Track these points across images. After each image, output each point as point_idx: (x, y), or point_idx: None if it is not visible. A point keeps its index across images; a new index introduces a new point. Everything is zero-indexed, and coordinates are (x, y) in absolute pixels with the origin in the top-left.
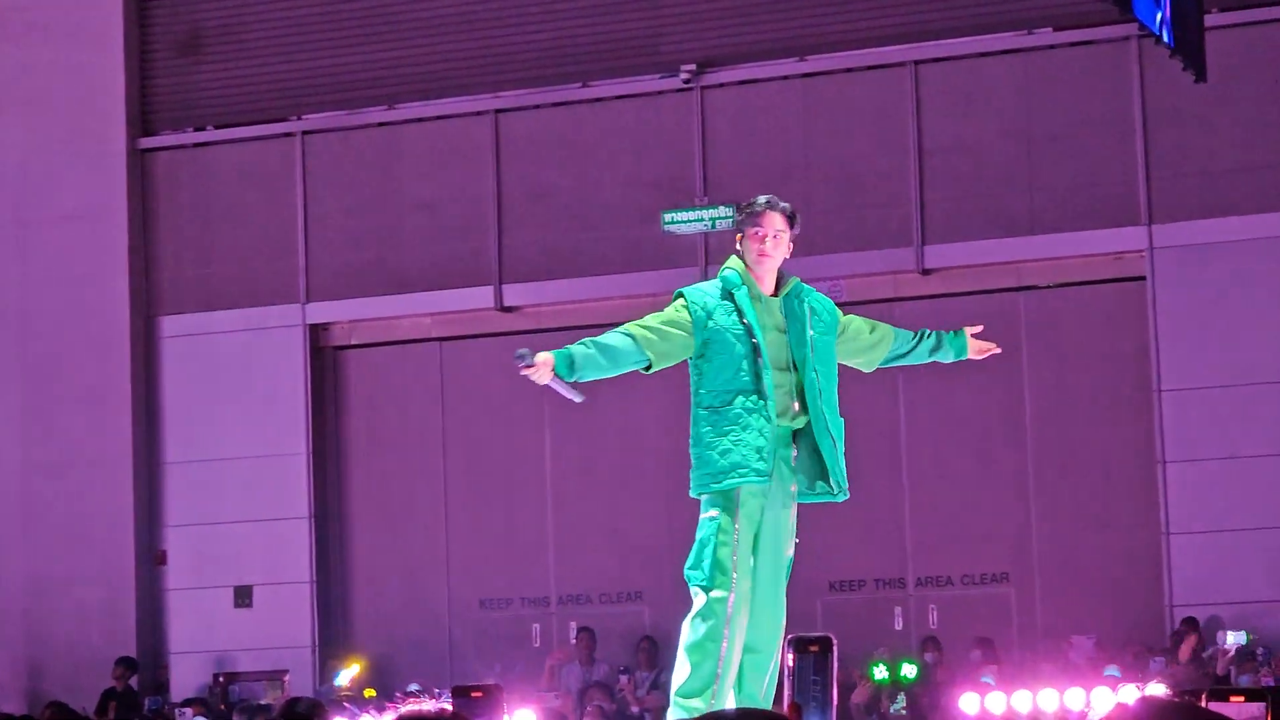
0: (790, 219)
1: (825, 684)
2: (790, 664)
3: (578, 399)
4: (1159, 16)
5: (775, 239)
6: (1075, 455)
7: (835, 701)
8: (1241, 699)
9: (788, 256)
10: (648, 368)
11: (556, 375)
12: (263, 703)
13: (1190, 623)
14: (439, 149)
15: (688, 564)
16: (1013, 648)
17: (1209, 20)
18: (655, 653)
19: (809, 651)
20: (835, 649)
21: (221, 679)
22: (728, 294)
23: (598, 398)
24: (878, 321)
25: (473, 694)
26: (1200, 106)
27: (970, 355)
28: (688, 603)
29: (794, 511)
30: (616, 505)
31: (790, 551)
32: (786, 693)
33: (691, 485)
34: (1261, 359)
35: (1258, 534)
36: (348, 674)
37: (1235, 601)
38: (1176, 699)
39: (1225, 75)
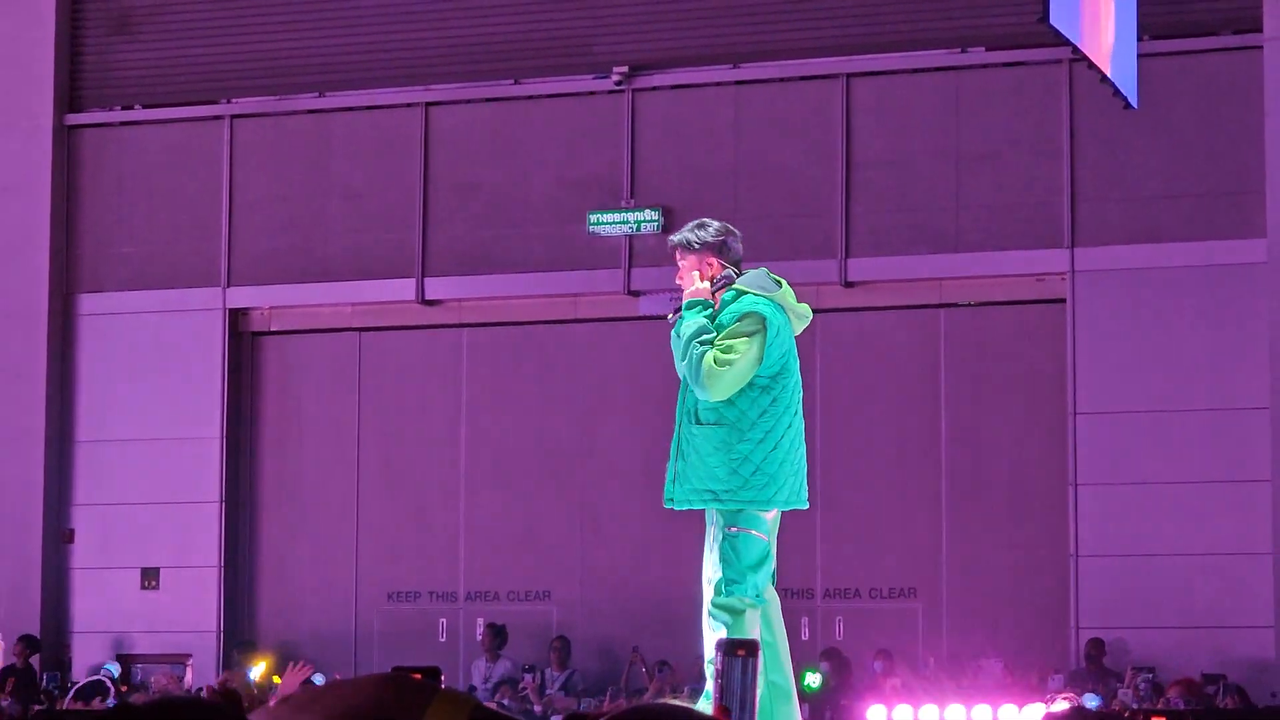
0: (680, 245)
1: (749, 687)
2: (719, 667)
3: (646, 309)
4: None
5: (681, 273)
6: (988, 473)
7: (756, 704)
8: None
9: (713, 272)
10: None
11: (680, 309)
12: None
13: (1095, 644)
14: (368, 139)
15: None
16: (917, 662)
17: (1140, 48)
18: (567, 653)
19: (737, 655)
20: (760, 653)
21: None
22: None
23: (510, 396)
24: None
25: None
26: (1128, 132)
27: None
28: (594, 602)
29: (708, 523)
30: (529, 504)
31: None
32: (714, 696)
33: None
34: (1177, 387)
35: (1165, 560)
36: (257, 670)
37: (1140, 626)
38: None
39: (1154, 103)
